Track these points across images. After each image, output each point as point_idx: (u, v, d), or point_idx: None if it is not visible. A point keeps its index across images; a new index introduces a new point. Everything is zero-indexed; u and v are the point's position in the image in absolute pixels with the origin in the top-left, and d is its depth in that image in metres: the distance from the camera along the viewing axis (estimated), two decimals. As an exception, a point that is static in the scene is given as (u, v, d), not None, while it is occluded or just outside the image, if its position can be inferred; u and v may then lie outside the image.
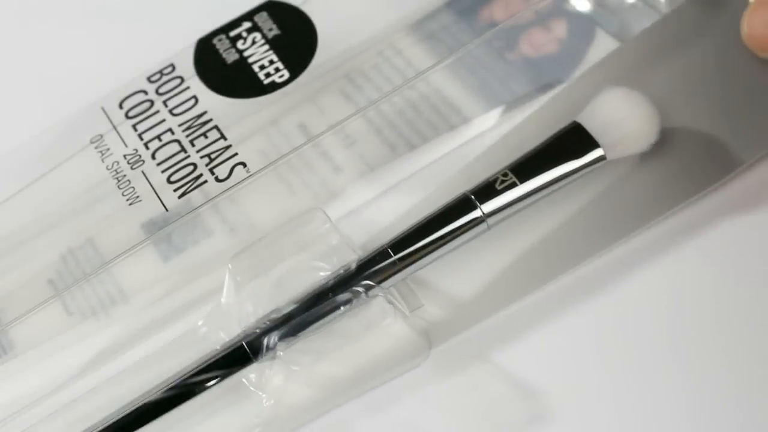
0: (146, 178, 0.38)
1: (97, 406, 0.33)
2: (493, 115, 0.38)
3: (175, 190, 0.37)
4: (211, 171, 0.37)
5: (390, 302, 0.33)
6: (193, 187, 0.37)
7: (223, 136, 0.38)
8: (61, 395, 0.34)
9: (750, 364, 0.32)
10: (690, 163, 0.35)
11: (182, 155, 0.38)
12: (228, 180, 0.37)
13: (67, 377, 0.35)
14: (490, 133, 0.38)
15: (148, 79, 0.40)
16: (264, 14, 0.41)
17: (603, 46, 0.39)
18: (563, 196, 0.35)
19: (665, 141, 0.35)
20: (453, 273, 0.35)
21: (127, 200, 0.37)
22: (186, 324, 0.35)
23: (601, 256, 0.34)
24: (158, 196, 0.37)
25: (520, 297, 0.34)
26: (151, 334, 0.35)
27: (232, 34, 0.41)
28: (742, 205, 0.35)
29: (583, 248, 0.34)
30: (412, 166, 0.37)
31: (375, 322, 0.34)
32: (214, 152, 0.38)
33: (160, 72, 0.41)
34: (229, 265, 0.34)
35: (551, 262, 0.34)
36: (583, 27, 0.40)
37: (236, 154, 0.38)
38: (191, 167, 0.38)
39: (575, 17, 0.40)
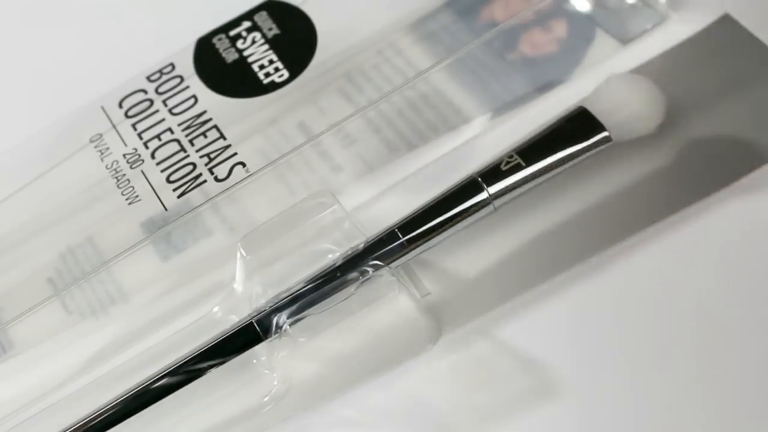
0: (146, 178, 0.38)
1: (108, 393, 0.33)
2: (493, 115, 0.38)
3: (174, 190, 0.37)
4: (211, 170, 0.37)
5: (395, 276, 0.34)
6: (192, 186, 0.37)
7: (222, 136, 0.38)
8: (60, 394, 0.34)
9: (750, 352, 0.33)
10: (709, 162, 0.36)
11: (182, 155, 0.38)
12: (227, 180, 0.37)
13: (67, 376, 0.35)
14: (490, 133, 0.38)
15: (148, 78, 0.40)
16: (264, 14, 0.41)
17: (603, 46, 0.39)
18: (578, 188, 0.35)
19: (686, 140, 0.36)
20: (465, 259, 0.35)
21: (127, 199, 0.37)
22: (184, 323, 0.35)
23: (610, 249, 0.34)
24: (157, 196, 0.37)
25: (531, 287, 0.34)
26: (150, 334, 0.35)
27: (232, 33, 0.41)
28: (747, 189, 0.35)
29: (595, 241, 0.35)
30: (411, 166, 0.37)
31: (379, 294, 0.34)
32: (214, 152, 0.38)
33: (160, 71, 0.41)
34: (240, 247, 0.34)
35: (564, 254, 0.35)
36: (583, 27, 0.40)
37: (236, 153, 0.38)
38: (190, 167, 0.38)
39: (575, 17, 0.40)
